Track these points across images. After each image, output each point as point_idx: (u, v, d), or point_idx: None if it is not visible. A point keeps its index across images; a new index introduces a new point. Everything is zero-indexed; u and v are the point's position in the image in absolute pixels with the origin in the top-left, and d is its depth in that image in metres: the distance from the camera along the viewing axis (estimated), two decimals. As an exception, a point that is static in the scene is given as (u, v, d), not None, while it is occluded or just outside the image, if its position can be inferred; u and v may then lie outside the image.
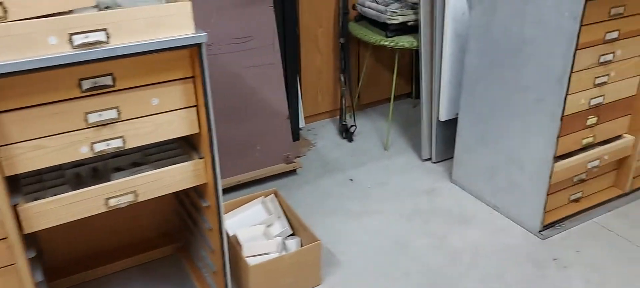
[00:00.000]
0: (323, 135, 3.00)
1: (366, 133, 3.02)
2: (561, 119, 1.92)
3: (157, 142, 1.63)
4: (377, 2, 2.62)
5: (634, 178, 2.31)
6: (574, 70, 1.86)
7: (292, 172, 2.61)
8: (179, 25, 1.28)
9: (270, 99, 2.43)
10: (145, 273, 1.91)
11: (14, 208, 1.30)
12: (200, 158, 1.52)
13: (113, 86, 1.29)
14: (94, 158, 1.62)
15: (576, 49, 1.80)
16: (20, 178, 1.51)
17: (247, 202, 2.06)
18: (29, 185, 1.50)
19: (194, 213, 1.78)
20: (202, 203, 1.62)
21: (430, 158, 2.70)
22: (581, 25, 1.76)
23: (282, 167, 2.55)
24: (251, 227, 1.94)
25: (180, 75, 1.38)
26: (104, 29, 1.19)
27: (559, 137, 1.95)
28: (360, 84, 3.10)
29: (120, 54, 1.21)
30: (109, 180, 1.43)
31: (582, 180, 2.21)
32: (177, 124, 1.42)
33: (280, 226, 1.98)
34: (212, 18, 2.20)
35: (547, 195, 2.06)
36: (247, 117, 2.39)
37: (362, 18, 2.78)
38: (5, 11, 1.11)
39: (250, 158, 2.46)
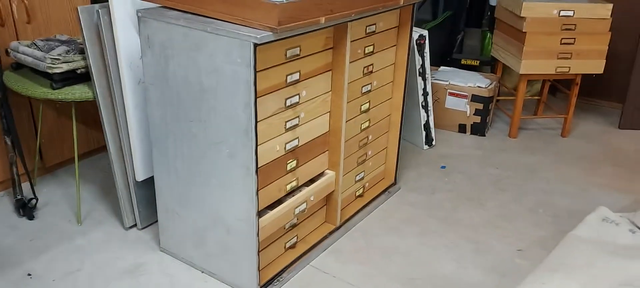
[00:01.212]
0: (-10, 218, 2.30)
1: (53, 204, 2.43)
2: (256, 172, 1.72)
3: None
4: (36, 46, 2.08)
5: (341, 210, 2.30)
6: (260, 119, 1.68)
7: None
8: None
9: None
10: None
11: None
12: None
13: None
14: None
15: (256, 97, 1.61)
16: None
17: None
18: None
19: None
20: None
21: (135, 225, 2.28)
22: (256, 72, 1.57)
23: None
24: None
25: None
26: None
27: (258, 190, 1.76)
28: (38, 143, 2.48)
29: None
30: None
31: (295, 225, 2.09)
32: None
33: None
34: None
35: (259, 252, 1.85)
36: None
37: (21, 66, 2.19)
38: None
39: None
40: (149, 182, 2.19)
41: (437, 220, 2.43)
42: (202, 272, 2.02)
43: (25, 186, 2.42)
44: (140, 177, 2.13)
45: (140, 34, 1.77)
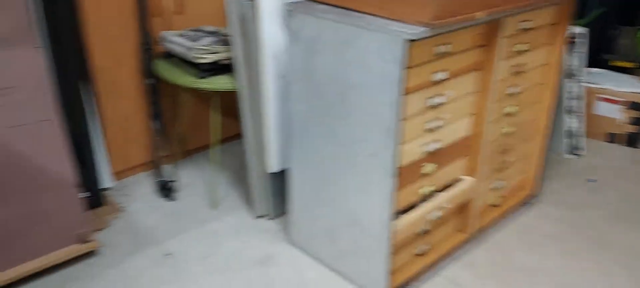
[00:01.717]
0: (137, 194, 2.47)
1: (192, 187, 2.54)
2: (396, 173, 1.64)
3: None
4: (184, 37, 2.17)
5: (476, 220, 2.14)
6: (404, 118, 1.59)
7: (90, 254, 2.05)
8: None
9: (48, 164, 1.85)
10: None
11: None
12: None
13: None
14: None
15: (403, 95, 1.52)
16: None
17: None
18: None
19: None
20: None
21: (265, 215, 2.32)
22: (405, 69, 1.49)
23: (75, 250, 1.98)
24: None
25: None
26: None
27: (395, 192, 1.67)
28: (180, 129, 2.62)
29: None
30: None
31: (427, 232, 1.98)
32: None
33: None
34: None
35: (391, 256, 1.78)
36: (14, 194, 1.79)
37: (170, 55, 2.31)
38: None
39: (25, 245, 1.86)
40: (281, 175, 2.21)
41: (587, 241, 2.18)
42: (331, 270, 1.99)
43: (167, 169, 2.56)
44: (273, 168, 2.15)
45: (287, 28, 1.76)
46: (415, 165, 1.75)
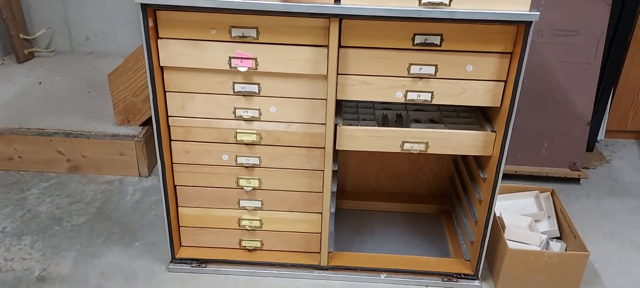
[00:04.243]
0: (622, 155, 2.71)
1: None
2: None
3: (458, 106, 1.77)
4: None
5: None
6: None
7: (575, 180, 2.46)
8: (515, 1, 1.35)
9: (576, 99, 2.31)
10: (407, 221, 2.12)
11: (335, 126, 1.60)
12: (492, 131, 1.59)
13: (438, 46, 1.46)
14: (400, 106, 1.85)
15: None
16: (342, 104, 1.84)
17: (521, 192, 2.05)
18: (347, 113, 1.82)
19: (468, 181, 1.88)
20: (480, 174, 1.70)
21: None
22: None
23: (565, 172, 2.43)
24: (519, 216, 1.94)
25: (500, 49, 1.46)
26: (450, -7, 1.35)
27: None
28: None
29: (457, 17, 1.35)
30: (409, 127, 1.63)
31: None
32: (482, 93, 1.52)
33: (548, 225, 1.93)
34: (541, 4, 2.18)
35: None
36: (546, 111, 2.34)
37: None
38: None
39: (536, 152, 2.41)
40: None
41: None
42: None
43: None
44: None
45: None
46: None
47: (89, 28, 3.31)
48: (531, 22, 1.36)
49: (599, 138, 2.75)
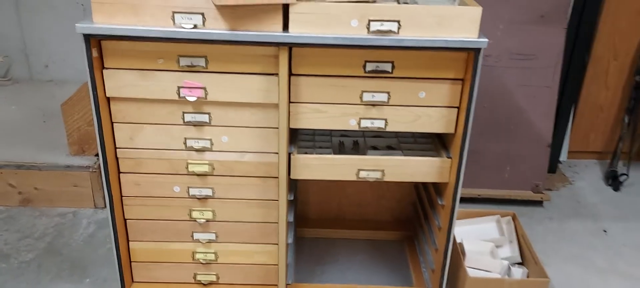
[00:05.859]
0: (584, 175, 2.73)
1: (639, 186, 2.63)
2: None
3: (413, 133, 1.75)
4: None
5: None
6: None
7: (539, 203, 2.46)
8: (463, 28, 1.34)
9: (537, 122, 2.32)
10: (371, 248, 2.08)
11: (289, 155, 1.57)
12: (448, 157, 1.58)
13: (390, 73, 1.44)
14: (358, 133, 1.83)
15: None
16: (298, 132, 1.81)
17: (481, 217, 2.04)
18: (303, 141, 1.78)
19: (428, 208, 1.86)
20: (438, 201, 1.68)
21: None
22: None
23: (528, 195, 2.43)
24: (479, 241, 1.92)
25: (451, 76, 1.45)
26: (397, 21, 1.33)
27: None
28: (645, 132, 2.70)
29: (406, 45, 1.34)
30: (365, 155, 1.60)
31: None
32: (436, 120, 1.51)
33: (509, 251, 1.92)
34: (498, 30, 2.20)
35: None
36: (507, 134, 2.34)
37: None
38: (324, -7, 1.35)
39: (499, 175, 2.41)
40: None
41: None
42: None
43: (621, 163, 2.71)
44: None
45: None
46: None
47: (48, 55, 3.22)
48: (480, 49, 1.35)
49: (561, 159, 2.77)
